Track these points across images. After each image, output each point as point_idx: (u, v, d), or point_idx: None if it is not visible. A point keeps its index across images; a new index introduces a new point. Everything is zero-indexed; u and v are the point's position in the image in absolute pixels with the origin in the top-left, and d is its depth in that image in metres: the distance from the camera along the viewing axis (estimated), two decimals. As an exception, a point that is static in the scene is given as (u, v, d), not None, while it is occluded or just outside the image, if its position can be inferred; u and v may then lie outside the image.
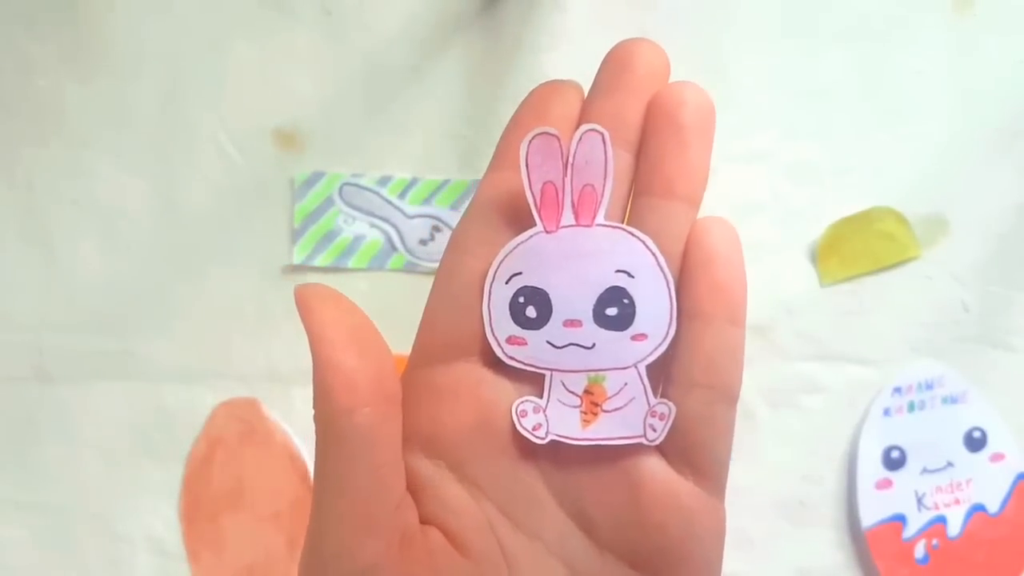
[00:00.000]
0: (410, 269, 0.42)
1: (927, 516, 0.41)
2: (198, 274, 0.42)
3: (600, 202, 0.21)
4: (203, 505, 0.42)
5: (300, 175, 0.42)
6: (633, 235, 0.21)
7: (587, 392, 0.21)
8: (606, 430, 0.21)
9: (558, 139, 0.20)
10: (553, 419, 0.21)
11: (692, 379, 0.21)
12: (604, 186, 0.21)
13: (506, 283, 0.21)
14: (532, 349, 0.21)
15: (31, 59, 0.42)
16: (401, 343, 0.23)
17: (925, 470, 0.41)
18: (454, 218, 0.42)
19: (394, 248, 0.42)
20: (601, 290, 0.21)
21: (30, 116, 0.42)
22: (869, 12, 0.42)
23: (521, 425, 0.21)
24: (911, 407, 0.41)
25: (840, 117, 0.42)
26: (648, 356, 0.21)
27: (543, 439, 0.21)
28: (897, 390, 0.41)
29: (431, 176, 0.42)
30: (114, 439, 0.42)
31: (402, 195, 0.42)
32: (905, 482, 0.41)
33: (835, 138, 0.42)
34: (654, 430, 0.21)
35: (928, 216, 0.42)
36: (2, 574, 0.43)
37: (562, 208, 0.21)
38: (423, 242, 0.42)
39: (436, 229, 0.42)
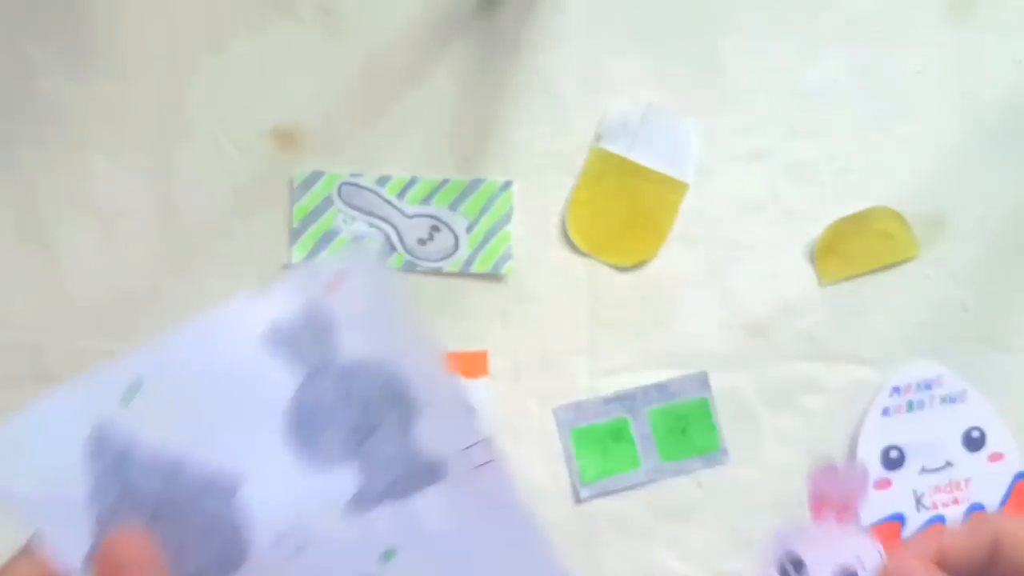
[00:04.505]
0: (409, 268, 0.42)
1: (926, 516, 0.41)
2: (198, 274, 0.42)
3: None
4: (203, 505, 0.42)
5: (299, 175, 0.42)
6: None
7: None
8: None
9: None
10: None
11: None
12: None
13: None
14: None
15: (31, 60, 0.42)
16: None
17: (924, 470, 0.41)
18: (453, 218, 0.42)
19: (393, 248, 0.42)
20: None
21: (30, 116, 0.42)
22: (868, 12, 0.42)
23: None
24: (910, 407, 0.41)
25: (840, 117, 0.42)
26: None
27: None
28: (896, 390, 0.41)
29: (430, 176, 0.42)
30: (114, 439, 0.42)
31: (401, 194, 0.42)
32: (904, 482, 0.41)
33: (835, 138, 0.42)
34: None
35: (927, 216, 0.42)
36: (2, 573, 0.43)
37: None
38: (422, 241, 0.42)
39: (435, 228, 0.42)
